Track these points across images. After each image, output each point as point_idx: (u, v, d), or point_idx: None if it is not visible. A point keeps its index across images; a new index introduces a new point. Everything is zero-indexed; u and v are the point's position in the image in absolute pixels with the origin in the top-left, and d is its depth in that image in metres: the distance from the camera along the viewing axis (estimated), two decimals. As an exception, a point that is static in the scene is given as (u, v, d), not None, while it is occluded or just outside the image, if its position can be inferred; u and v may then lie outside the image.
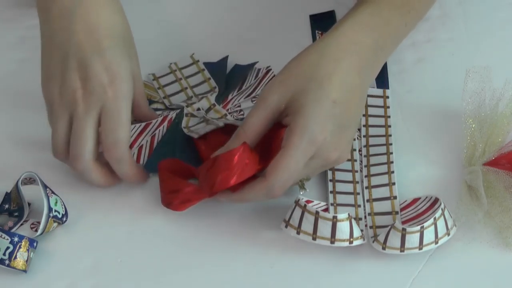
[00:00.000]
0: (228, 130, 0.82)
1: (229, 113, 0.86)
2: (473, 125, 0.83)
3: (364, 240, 0.78)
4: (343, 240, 0.77)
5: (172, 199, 0.79)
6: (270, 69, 0.89)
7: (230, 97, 0.88)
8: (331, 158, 0.77)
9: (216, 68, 0.90)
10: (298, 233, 0.77)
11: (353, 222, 0.77)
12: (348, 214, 0.77)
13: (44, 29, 0.81)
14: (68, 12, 0.79)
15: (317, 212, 0.77)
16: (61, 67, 0.79)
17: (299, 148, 0.75)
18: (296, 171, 0.75)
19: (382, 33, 0.80)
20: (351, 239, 0.77)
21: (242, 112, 0.87)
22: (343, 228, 0.76)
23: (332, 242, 0.77)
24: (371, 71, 0.80)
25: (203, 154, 0.83)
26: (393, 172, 0.83)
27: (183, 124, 0.85)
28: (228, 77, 0.89)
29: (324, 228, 0.76)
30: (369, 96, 0.87)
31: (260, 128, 0.77)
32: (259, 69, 0.89)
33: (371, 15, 0.80)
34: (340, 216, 0.76)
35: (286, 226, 0.78)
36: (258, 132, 0.77)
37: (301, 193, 0.81)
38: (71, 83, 0.78)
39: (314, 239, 0.77)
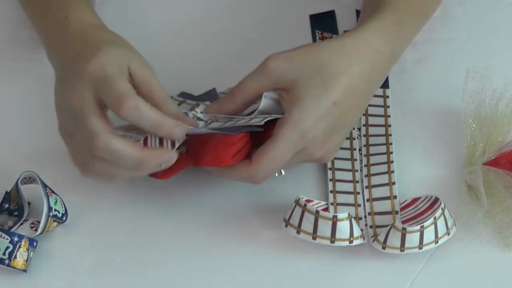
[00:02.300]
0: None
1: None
2: (473, 125, 0.83)
3: (364, 239, 0.78)
4: (343, 240, 0.77)
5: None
6: None
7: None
8: (315, 156, 0.76)
9: (207, 98, 0.86)
10: (298, 232, 0.77)
11: (353, 221, 0.77)
12: (348, 213, 0.77)
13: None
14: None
15: (317, 212, 0.77)
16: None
17: (289, 141, 0.74)
18: (282, 162, 0.75)
19: (399, 42, 0.80)
20: (351, 239, 0.77)
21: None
22: (343, 228, 0.76)
23: (332, 242, 0.76)
24: (381, 78, 0.80)
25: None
26: (393, 171, 0.83)
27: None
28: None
29: (324, 228, 0.76)
30: (369, 95, 0.87)
31: (254, 94, 0.76)
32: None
33: (393, 24, 0.79)
34: (340, 215, 0.76)
35: (286, 226, 0.78)
36: (251, 97, 0.77)
37: (276, 175, 0.79)
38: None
39: (314, 238, 0.77)
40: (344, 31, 0.92)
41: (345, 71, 0.75)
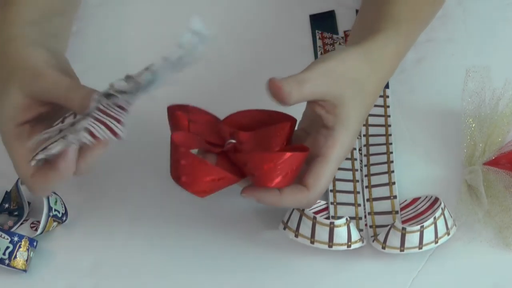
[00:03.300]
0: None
1: None
2: (473, 125, 0.83)
3: (363, 242, 0.78)
4: (341, 245, 0.77)
5: (198, 185, 0.71)
6: None
7: None
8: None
9: None
10: (296, 236, 0.77)
11: (351, 226, 0.77)
12: (346, 219, 0.77)
13: None
14: None
15: (314, 218, 0.76)
16: None
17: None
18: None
19: (406, 53, 0.81)
20: (349, 243, 0.77)
21: None
22: (340, 233, 0.76)
23: (330, 246, 0.76)
24: None
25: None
26: (393, 171, 0.83)
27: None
28: None
29: (322, 233, 0.76)
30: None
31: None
32: None
33: (405, 37, 0.79)
34: (337, 222, 0.76)
35: (284, 228, 0.78)
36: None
37: None
38: None
39: (312, 243, 0.76)
40: (345, 32, 0.92)
41: (376, 86, 0.76)
